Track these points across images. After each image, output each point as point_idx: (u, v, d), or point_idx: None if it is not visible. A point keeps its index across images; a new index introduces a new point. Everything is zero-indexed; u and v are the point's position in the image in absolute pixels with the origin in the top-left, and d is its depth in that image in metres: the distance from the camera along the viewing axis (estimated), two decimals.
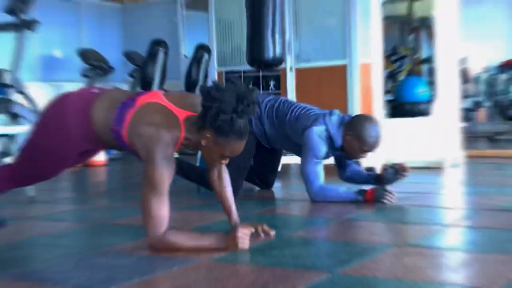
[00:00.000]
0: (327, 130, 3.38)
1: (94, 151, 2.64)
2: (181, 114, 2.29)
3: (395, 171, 3.45)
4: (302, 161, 3.45)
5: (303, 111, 3.56)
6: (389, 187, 3.31)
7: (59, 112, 2.45)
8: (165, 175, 2.24)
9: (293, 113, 3.56)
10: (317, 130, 3.38)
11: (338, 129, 3.39)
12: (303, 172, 3.42)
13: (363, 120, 3.40)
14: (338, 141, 3.37)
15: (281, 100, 3.75)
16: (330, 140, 3.40)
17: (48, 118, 2.49)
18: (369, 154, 3.45)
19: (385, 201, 3.22)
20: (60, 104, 2.47)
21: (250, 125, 3.61)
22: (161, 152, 2.24)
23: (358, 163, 3.70)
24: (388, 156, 5.01)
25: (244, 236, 2.24)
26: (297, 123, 3.49)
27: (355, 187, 3.42)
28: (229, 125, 2.19)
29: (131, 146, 2.33)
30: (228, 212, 2.58)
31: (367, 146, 3.32)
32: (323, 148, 3.37)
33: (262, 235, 2.44)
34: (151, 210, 2.23)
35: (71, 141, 2.44)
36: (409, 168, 3.47)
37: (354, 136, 3.32)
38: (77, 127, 2.40)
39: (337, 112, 3.51)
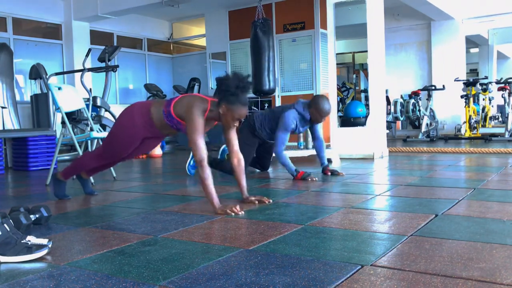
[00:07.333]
0: (298, 112, 3.46)
1: (150, 139, 2.57)
2: (208, 98, 2.36)
3: (336, 172, 3.58)
4: (277, 129, 3.47)
5: (283, 107, 3.64)
6: (311, 174, 3.38)
7: (129, 113, 2.49)
8: (200, 122, 2.26)
9: (280, 109, 3.63)
10: (290, 113, 3.45)
11: (304, 110, 3.47)
12: (276, 136, 3.47)
13: (319, 98, 3.46)
14: (307, 116, 3.46)
15: (270, 110, 3.77)
16: (302, 117, 3.47)
17: (122, 117, 2.51)
18: (326, 118, 3.50)
19: (309, 179, 3.30)
20: (129, 109, 2.51)
21: (257, 131, 3.64)
22: (196, 110, 2.27)
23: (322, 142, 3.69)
24: (341, 152, 5.02)
25: (231, 211, 2.17)
26: (281, 113, 3.53)
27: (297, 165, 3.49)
28: (235, 97, 2.25)
29: (177, 116, 2.33)
30: (240, 187, 2.52)
31: (323, 113, 3.41)
32: (291, 124, 3.44)
33: (256, 202, 2.43)
34: (196, 143, 2.23)
35: (137, 130, 2.45)
36: (343, 174, 3.60)
37: (315, 109, 3.42)
38: (141, 120, 2.43)
39: (301, 100, 3.59)
